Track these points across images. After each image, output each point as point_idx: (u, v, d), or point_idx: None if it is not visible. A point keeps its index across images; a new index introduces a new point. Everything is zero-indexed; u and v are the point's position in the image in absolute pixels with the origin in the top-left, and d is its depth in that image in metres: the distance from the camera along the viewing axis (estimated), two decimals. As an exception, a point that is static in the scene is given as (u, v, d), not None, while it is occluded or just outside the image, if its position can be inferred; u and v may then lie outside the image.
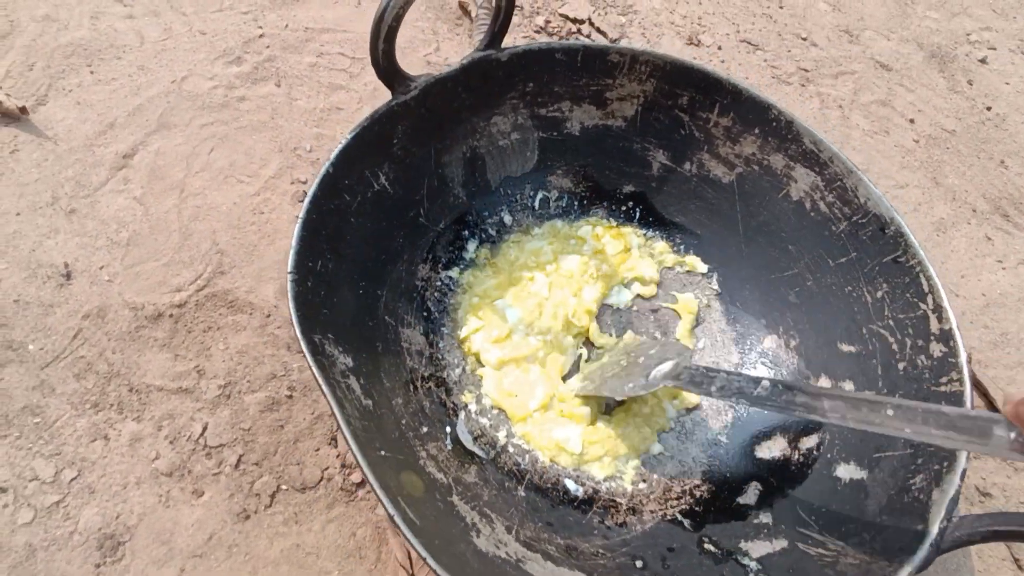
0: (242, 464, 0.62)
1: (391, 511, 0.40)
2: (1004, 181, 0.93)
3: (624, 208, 0.74)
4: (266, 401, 0.65)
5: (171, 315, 0.68)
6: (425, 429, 0.57)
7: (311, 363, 0.45)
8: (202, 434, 0.62)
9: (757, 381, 0.45)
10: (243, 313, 0.69)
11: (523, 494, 0.57)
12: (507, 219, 0.72)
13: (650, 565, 0.52)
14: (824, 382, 0.61)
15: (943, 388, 0.50)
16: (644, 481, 0.60)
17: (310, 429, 0.64)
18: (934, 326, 0.52)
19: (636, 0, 1.04)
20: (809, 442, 0.58)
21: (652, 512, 0.58)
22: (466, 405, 0.63)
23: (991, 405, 0.74)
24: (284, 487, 0.61)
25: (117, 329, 0.66)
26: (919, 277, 0.55)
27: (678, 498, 0.59)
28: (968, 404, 0.48)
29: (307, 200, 0.52)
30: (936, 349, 0.52)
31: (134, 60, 0.84)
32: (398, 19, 0.52)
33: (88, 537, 0.57)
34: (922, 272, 0.54)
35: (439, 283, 0.68)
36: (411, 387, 0.60)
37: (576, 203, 0.74)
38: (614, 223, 0.74)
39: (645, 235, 0.74)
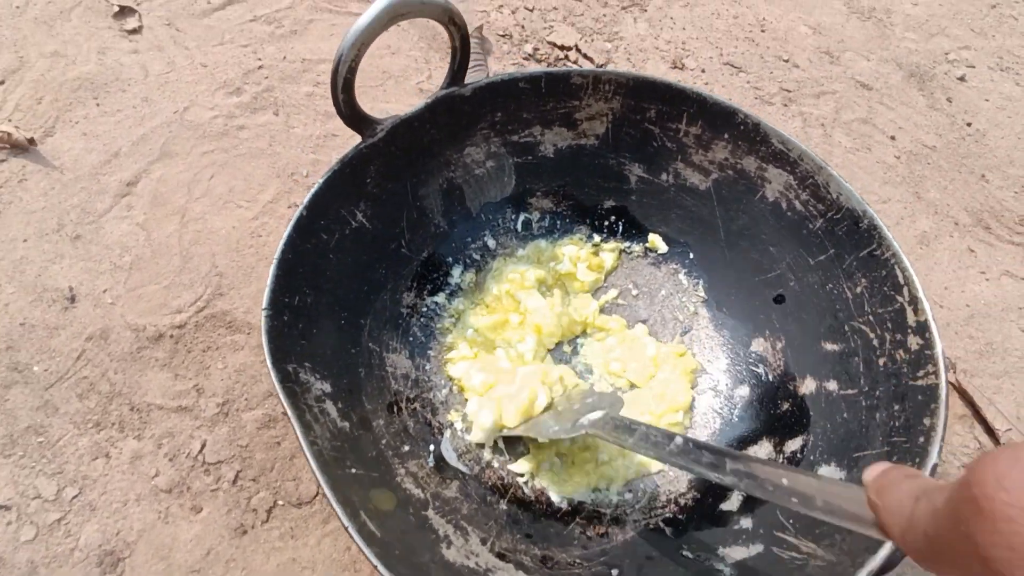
0: (240, 480, 0.63)
1: (345, 522, 0.42)
2: (985, 195, 0.95)
3: (607, 223, 0.76)
4: (263, 418, 0.66)
5: (171, 336, 0.70)
6: (407, 448, 0.59)
7: (279, 390, 0.47)
8: (200, 451, 0.64)
9: (671, 437, 0.47)
10: (241, 333, 0.71)
11: (504, 507, 0.59)
12: (491, 243, 0.74)
13: (625, 572, 0.53)
14: (809, 383, 0.62)
15: (920, 382, 0.51)
16: (630, 491, 0.61)
17: (306, 445, 0.66)
18: (911, 318, 0.53)
19: (622, 27, 1.08)
20: (793, 445, 0.59)
21: (635, 521, 0.59)
22: (452, 424, 0.64)
23: (977, 414, 0.75)
24: (280, 502, 0.62)
25: (119, 350, 0.68)
26: (894, 269, 0.56)
27: (663, 507, 0.60)
28: (943, 398, 0.49)
29: (282, 242, 0.55)
30: (913, 342, 0.53)
31: (138, 92, 0.87)
32: (352, 71, 0.54)
33: (88, 554, 0.58)
34: (897, 264, 0.56)
35: (425, 309, 0.69)
36: (394, 408, 0.61)
37: (559, 222, 0.76)
38: (597, 239, 0.75)
39: (627, 248, 0.76)
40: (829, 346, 0.61)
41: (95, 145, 0.82)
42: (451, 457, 0.62)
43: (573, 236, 0.76)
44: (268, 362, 0.49)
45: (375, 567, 0.41)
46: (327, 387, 0.54)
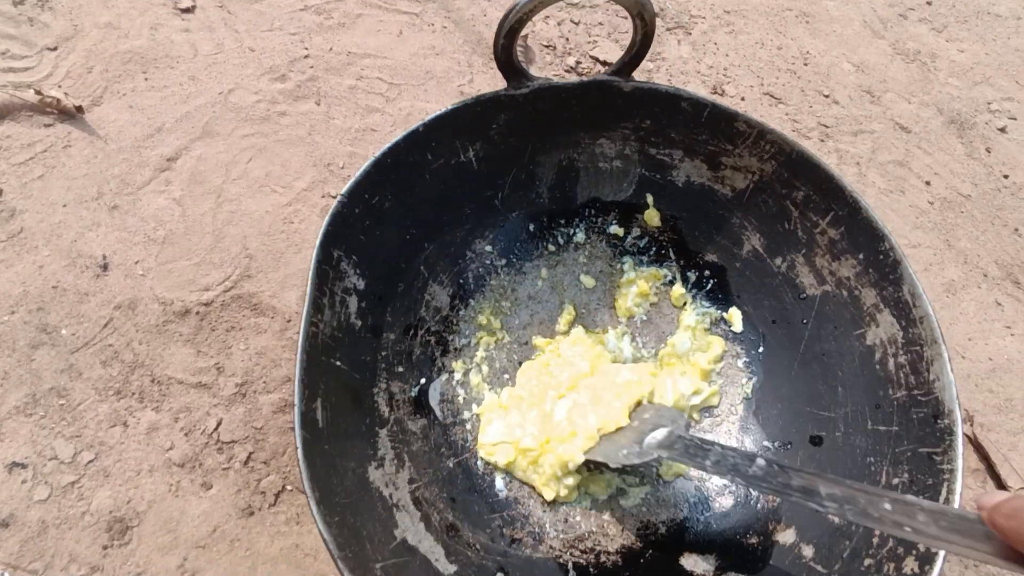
0: (251, 462, 0.64)
1: (296, 399, 0.47)
2: (1017, 249, 0.94)
3: (698, 274, 0.72)
4: (279, 403, 0.67)
5: (197, 312, 0.71)
6: (400, 369, 0.62)
7: (312, 267, 0.52)
8: (216, 429, 0.65)
9: (752, 459, 0.44)
10: (265, 316, 0.72)
11: (451, 465, 0.61)
12: (579, 237, 0.74)
13: None
14: (789, 535, 0.57)
15: None
16: (567, 520, 0.61)
17: (319, 433, 0.66)
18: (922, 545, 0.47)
19: (665, 47, 1.08)
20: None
21: (551, 547, 0.58)
22: (453, 371, 0.66)
23: (991, 469, 0.74)
24: (289, 488, 0.63)
25: (145, 322, 0.70)
26: (943, 485, 0.49)
27: (584, 552, 0.59)
28: None
29: (387, 145, 0.58)
30: (910, 566, 0.47)
31: (186, 70, 0.89)
32: (521, 22, 0.56)
33: (99, 518, 0.59)
34: (949, 484, 0.49)
35: (488, 262, 0.71)
36: (411, 332, 0.64)
37: (653, 249, 0.74)
38: (680, 286, 0.73)
39: (705, 312, 0.72)
40: (832, 515, 0.53)
41: (140, 118, 0.84)
42: (434, 398, 0.64)
43: (659, 269, 0.73)
44: (318, 240, 0.52)
45: (297, 447, 0.46)
46: (361, 284, 0.58)
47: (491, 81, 0.97)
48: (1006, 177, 1.03)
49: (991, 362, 0.82)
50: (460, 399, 0.65)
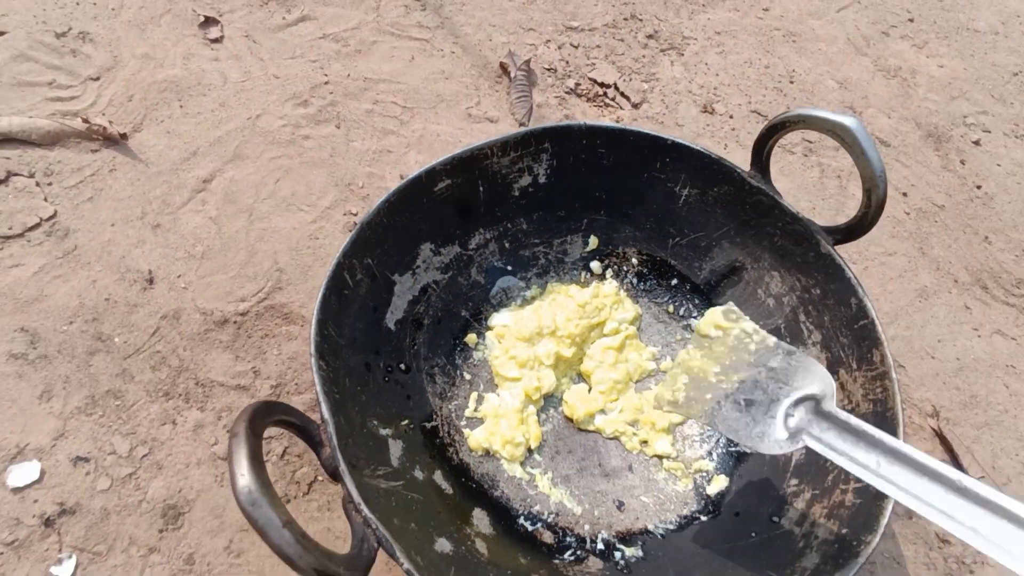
0: (287, 455, 0.71)
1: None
2: (986, 256, 1.01)
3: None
4: (310, 402, 0.75)
5: (235, 321, 0.79)
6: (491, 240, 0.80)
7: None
8: (255, 426, 0.72)
9: (956, 477, 0.36)
10: (295, 324, 0.80)
11: (464, 314, 0.78)
12: (695, 323, 0.78)
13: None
14: None
15: None
16: (482, 462, 0.69)
17: (346, 430, 0.74)
18: None
19: (659, 68, 1.15)
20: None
21: (454, 448, 0.68)
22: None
23: (955, 460, 0.82)
24: (320, 478, 0.71)
25: (189, 330, 0.77)
26: None
27: (464, 477, 0.67)
28: None
29: (624, 127, 0.73)
30: None
31: (217, 98, 0.97)
32: (784, 126, 0.68)
33: (154, 506, 0.67)
34: None
35: (621, 268, 0.82)
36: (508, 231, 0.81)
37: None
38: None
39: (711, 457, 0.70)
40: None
41: (176, 143, 0.91)
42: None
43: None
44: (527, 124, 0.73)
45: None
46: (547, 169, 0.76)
47: (496, 104, 1.05)
48: (978, 188, 1.10)
49: (958, 361, 0.90)
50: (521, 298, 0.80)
